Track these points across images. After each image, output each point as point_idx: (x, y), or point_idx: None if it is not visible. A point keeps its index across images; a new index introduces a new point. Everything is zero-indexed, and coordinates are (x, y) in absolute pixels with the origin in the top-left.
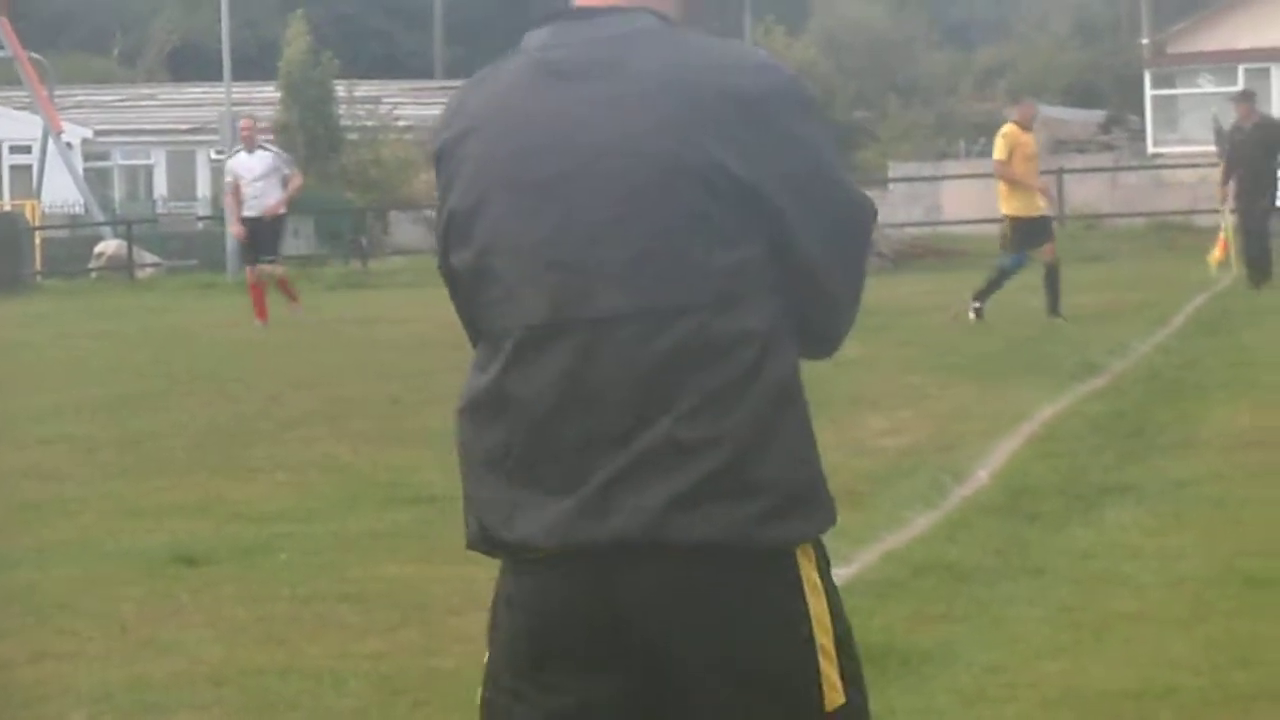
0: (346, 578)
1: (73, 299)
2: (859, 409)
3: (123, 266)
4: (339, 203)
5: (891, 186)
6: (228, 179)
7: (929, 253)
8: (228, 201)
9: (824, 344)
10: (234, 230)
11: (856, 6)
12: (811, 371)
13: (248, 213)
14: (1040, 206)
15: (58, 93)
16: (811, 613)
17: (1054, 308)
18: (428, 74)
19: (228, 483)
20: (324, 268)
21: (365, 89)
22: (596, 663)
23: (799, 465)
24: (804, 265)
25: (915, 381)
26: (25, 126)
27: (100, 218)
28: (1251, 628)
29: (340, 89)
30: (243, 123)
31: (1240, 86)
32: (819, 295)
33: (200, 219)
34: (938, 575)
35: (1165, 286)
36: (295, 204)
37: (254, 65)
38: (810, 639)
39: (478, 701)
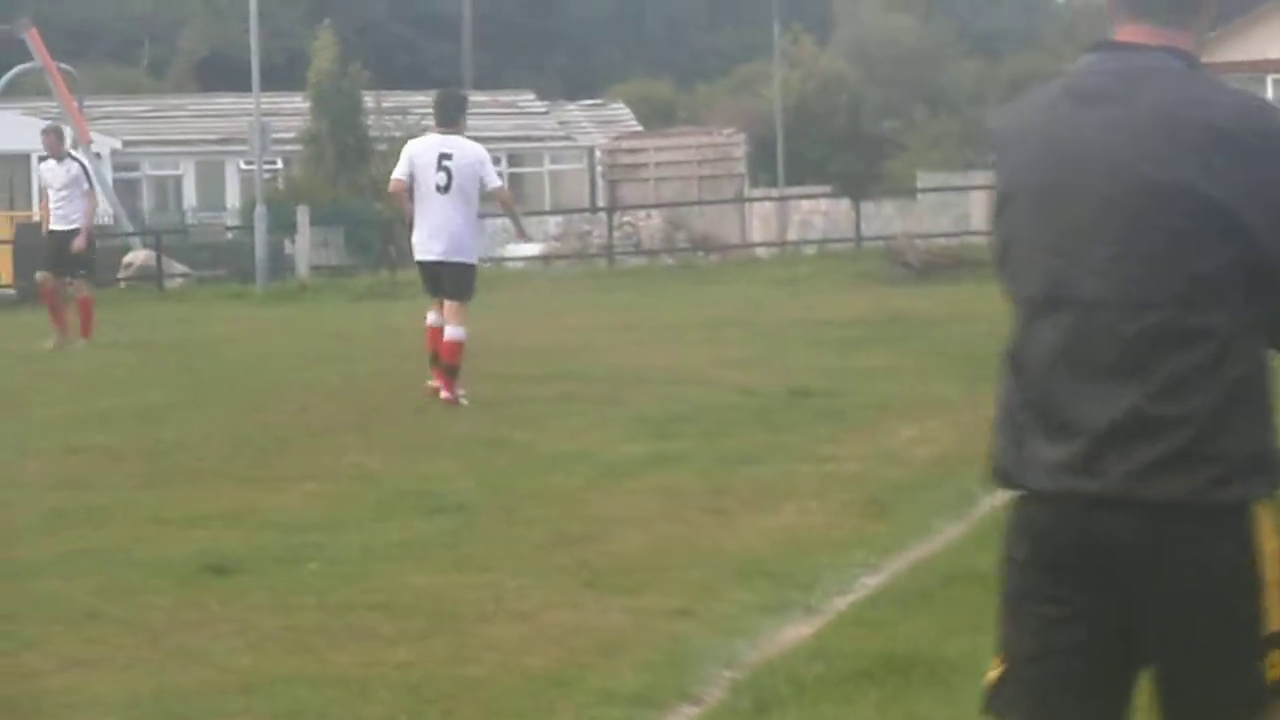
0: (375, 587)
1: (102, 309)
2: (887, 418)
3: (152, 276)
4: (368, 213)
5: (920, 196)
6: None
7: (957, 263)
8: (41, 209)
9: None
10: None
11: (884, 16)
12: (839, 382)
13: (54, 225)
14: None
15: (87, 103)
16: (1263, 552)
17: None
18: (456, 83)
19: (257, 492)
20: (353, 278)
21: (394, 99)
22: (1084, 584)
23: (1256, 442)
24: (1271, 273)
25: (943, 391)
26: None
27: (129, 228)
28: None
29: (369, 100)
30: (44, 128)
31: (1270, 97)
32: None
33: (229, 229)
34: (966, 585)
35: None
36: (321, 215)
37: (282, 75)
38: (1259, 575)
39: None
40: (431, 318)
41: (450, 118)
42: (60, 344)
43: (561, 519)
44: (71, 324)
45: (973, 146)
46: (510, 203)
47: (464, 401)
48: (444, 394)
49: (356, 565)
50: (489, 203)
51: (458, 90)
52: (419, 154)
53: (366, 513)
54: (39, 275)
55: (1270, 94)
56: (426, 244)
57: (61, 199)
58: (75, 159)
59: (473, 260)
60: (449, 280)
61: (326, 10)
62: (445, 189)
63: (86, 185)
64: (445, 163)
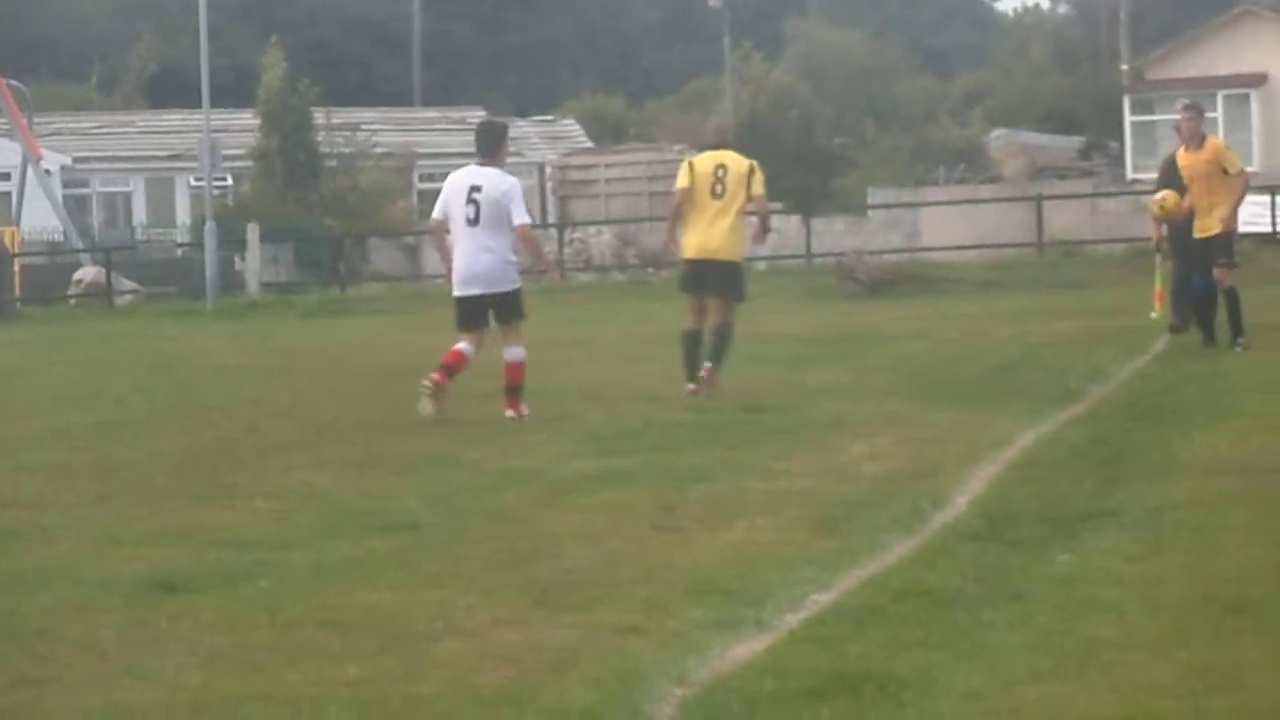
0: (326, 605)
1: (52, 326)
2: (838, 435)
3: (102, 293)
4: (317, 229)
5: (870, 213)
6: None
7: (907, 279)
8: None
9: None
10: None
11: (835, 33)
12: (790, 398)
13: None
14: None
15: (36, 120)
16: None
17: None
18: (406, 101)
19: (207, 509)
20: (303, 295)
21: (343, 116)
22: None
23: None
24: None
25: (894, 408)
26: (4, 154)
27: (79, 244)
28: (1231, 653)
29: (319, 116)
30: None
31: (1220, 113)
32: None
33: (179, 245)
34: (917, 601)
35: (1144, 313)
36: (271, 232)
37: (232, 92)
38: None
39: None
40: (463, 346)
41: (487, 149)
42: None
43: (511, 536)
44: None
45: (924, 163)
46: (534, 242)
47: (526, 415)
48: (509, 412)
49: (306, 583)
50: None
51: (499, 121)
52: (452, 188)
53: (317, 530)
54: None
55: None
56: (464, 284)
57: None
58: None
59: (516, 285)
60: (499, 309)
61: (276, 27)
62: (474, 221)
63: None
64: (474, 195)
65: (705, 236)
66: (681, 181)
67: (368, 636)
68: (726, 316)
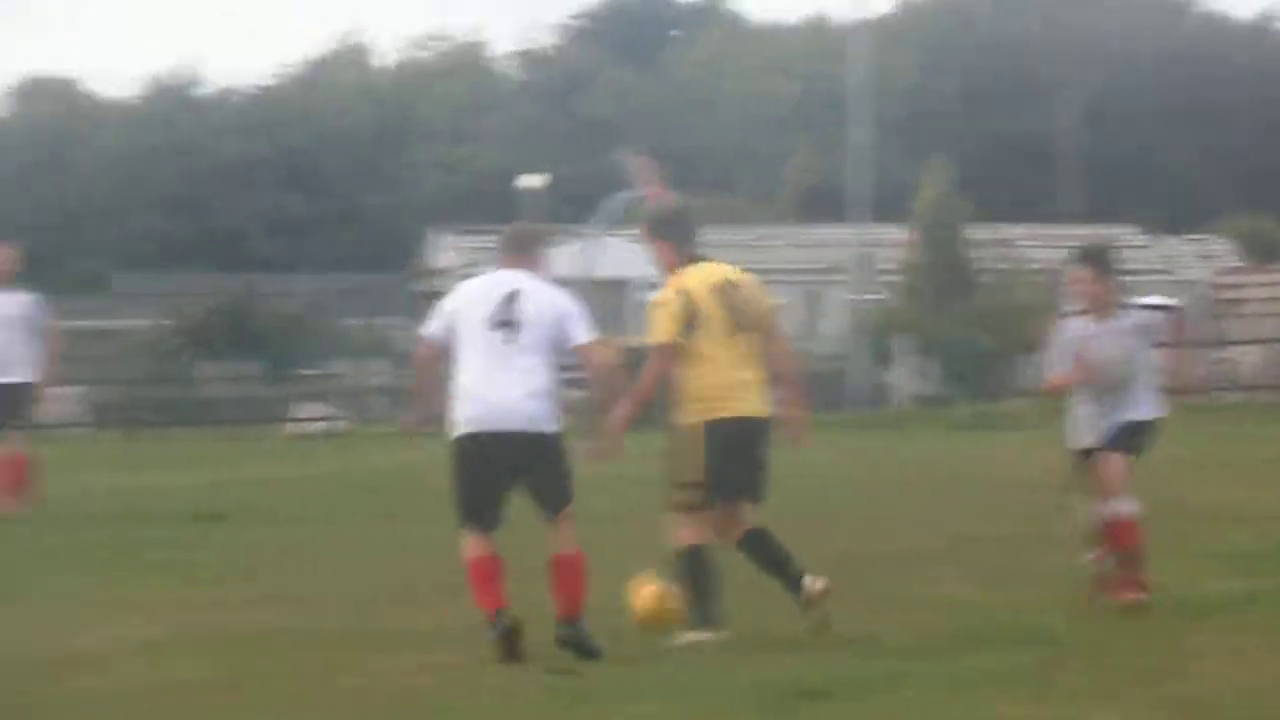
0: (961, 717)
1: None
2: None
3: None
4: (968, 344)
5: None
6: None
7: None
8: None
9: None
10: None
11: None
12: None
13: None
14: None
15: None
16: None
17: None
18: (1052, 217)
19: (850, 618)
20: (950, 407)
21: (995, 231)
22: None
23: None
24: None
25: None
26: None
27: None
28: None
29: (978, 232)
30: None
31: None
32: None
33: (825, 358)
34: None
35: None
36: (920, 345)
37: (883, 206)
38: None
39: None
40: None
41: (521, 248)
42: None
43: (1153, 652)
44: None
45: None
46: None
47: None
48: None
49: (944, 694)
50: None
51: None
52: (470, 297)
53: (956, 642)
54: None
55: None
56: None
57: (4, 340)
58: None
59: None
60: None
61: (929, 144)
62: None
63: (40, 321)
64: (511, 305)
65: None
66: None
67: None
68: None
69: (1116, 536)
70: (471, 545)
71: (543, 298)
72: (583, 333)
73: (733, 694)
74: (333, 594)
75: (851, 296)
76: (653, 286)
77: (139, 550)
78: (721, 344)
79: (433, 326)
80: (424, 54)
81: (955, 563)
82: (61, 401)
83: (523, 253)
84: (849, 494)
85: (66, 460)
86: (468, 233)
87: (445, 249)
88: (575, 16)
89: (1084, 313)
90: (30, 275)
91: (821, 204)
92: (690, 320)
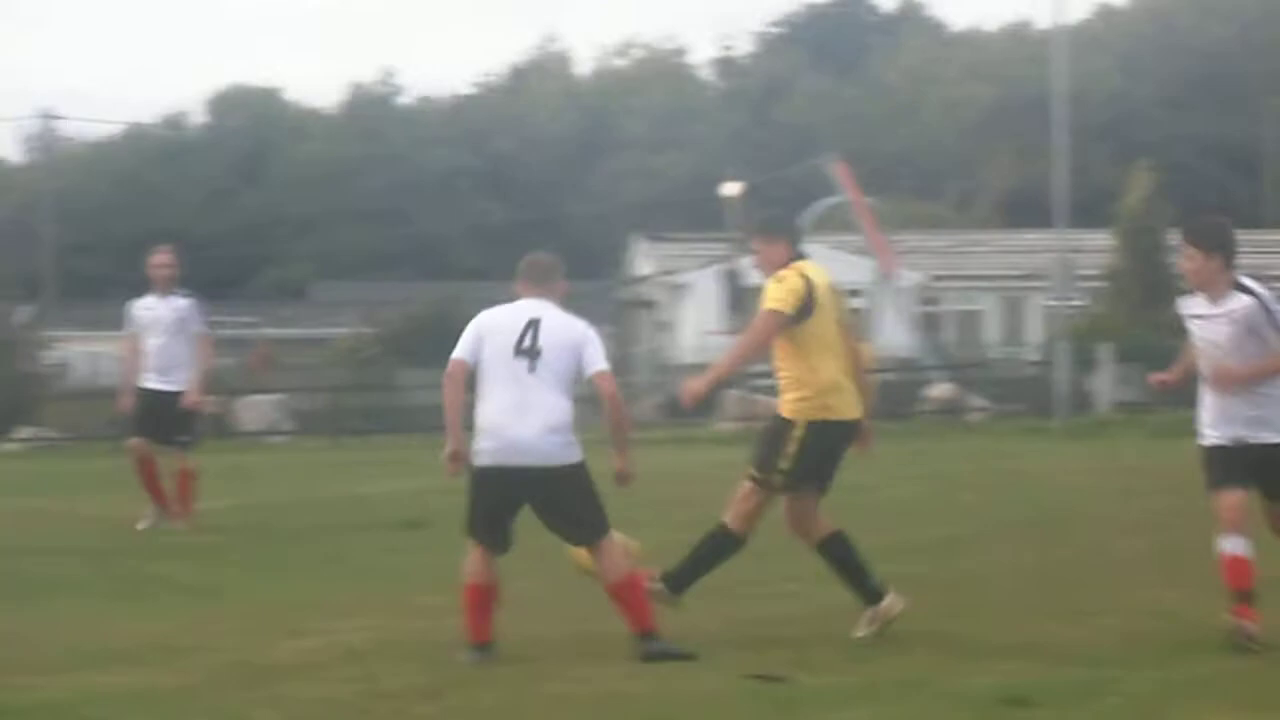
0: None
1: (904, 441)
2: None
3: (952, 410)
4: (1169, 350)
5: None
6: (128, 329)
7: None
8: (122, 358)
9: None
10: (122, 403)
11: None
12: None
13: (148, 383)
14: None
15: (892, 237)
16: None
17: None
18: (1255, 223)
19: (1056, 625)
20: (1153, 414)
21: None
22: None
23: None
24: None
25: None
26: (856, 271)
27: (930, 361)
28: None
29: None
30: (158, 258)
31: None
32: None
33: (1030, 364)
34: None
35: None
36: (1123, 352)
37: (1086, 211)
38: None
39: None
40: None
41: (540, 278)
42: (155, 523)
43: None
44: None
45: None
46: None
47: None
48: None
49: (1153, 702)
50: None
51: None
52: (492, 325)
53: (1165, 648)
54: (133, 444)
55: None
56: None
57: (163, 349)
58: (180, 296)
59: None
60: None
61: (1132, 149)
62: (532, 369)
63: (196, 328)
64: (532, 334)
65: None
66: None
67: None
68: None
69: None
70: (473, 564)
71: (561, 326)
72: (599, 360)
73: (937, 701)
74: (537, 600)
75: (1052, 302)
76: (853, 293)
77: (344, 556)
78: (830, 337)
79: (462, 350)
80: (622, 62)
81: (1161, 568)
82: (261, 408)
83: (542, 282)
84: (1059, 500)
85: (271, 467)
86: (668, 240)
87: (646, 256)
88: (774, 24)
89: (1194, 293)
90: (226, 283)
91: (1023, 209)
92: (808, 304)
